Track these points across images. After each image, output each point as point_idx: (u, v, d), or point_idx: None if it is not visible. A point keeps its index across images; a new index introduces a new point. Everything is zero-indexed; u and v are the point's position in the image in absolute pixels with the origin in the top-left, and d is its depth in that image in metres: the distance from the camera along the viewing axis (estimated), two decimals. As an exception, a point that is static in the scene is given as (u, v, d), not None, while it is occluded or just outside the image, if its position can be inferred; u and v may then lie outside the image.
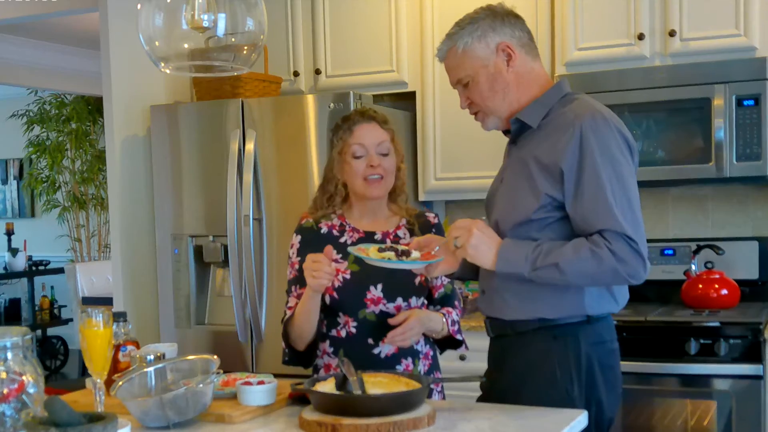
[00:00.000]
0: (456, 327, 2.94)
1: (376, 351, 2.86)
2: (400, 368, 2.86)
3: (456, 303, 3.04)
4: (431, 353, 2.99)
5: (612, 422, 2.71)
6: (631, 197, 2.49)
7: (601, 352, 2.62)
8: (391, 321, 2.78)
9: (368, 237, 2.93)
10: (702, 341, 3.75)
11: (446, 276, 2.88)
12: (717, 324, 3.77)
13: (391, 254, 2.62)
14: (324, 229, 2.96)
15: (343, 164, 2.92)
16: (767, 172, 3.95)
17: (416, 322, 2.77)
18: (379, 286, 2.85)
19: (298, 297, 2.89)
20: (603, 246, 2.41)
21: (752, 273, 4.30)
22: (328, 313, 2.89)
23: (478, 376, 2.69)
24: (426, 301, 2.97)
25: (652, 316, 3.94)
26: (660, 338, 3.83)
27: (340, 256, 2.89)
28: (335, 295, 2.85)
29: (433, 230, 3.00)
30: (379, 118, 2.96)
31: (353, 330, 2.86)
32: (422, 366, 2.93)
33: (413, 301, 2.89)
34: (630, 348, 3.65)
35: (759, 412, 3.68)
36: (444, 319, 2.90)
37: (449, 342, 3.00)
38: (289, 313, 2.92)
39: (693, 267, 4.28)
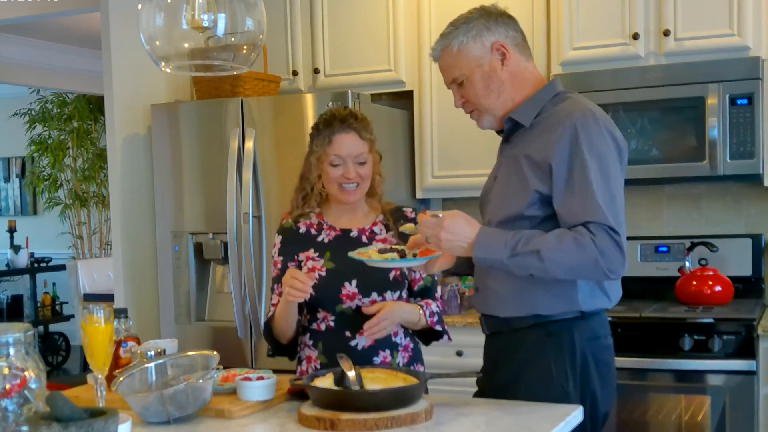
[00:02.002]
0: (435, 318, 2.97)
1: (353, 343, 2.91)
2: (377, 360, 2.91)
3: (436, 295, 3.08)
4: (411, 346, 3.03)
5: (607, 417, 2.73)
6: (615, 193, 2.50)
7: (596, 348, 2.63)
8: (365, 309, 2.83)
9: (344, 234, 2.99)
10: (696, 337, 3.78)
11: (444, 272, 2.89)
12: (711, 320, 3.80)
13: (393, 255, 2.66)
14: (302, 229, 3.03)
15: (320, 170, 2.98)
16: (760, 170, 3.99)
17: (388, 313, 2.80)
18: (354, 282, 2.90)
19: (281, 294, 2.95)
20: (587, 236, 2.42)
21: (745, 270, 4.33)
22: (308, 308, 2.96)
23: (475, 372, 2.72)
24: (404, 296, 3.00)
25: (646, 312, 3.97)
26: (654, 334, 3.86)
27: (318, 254, 2.96)
28: (312, 292, 2.89)
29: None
30: (359, 127, 2.97)
31: (332, 324, 2.92)
32: (401, 358, 2.97)
33: (388, 295, 2.93)
34: (625, 344, 3.68)
35: (752, 407, 3.72)
36: (421, 311, 2.93)
37: (432, 334, 3.03)
38: (272, 310, 2.99)
39: (687, 264, 4.31)
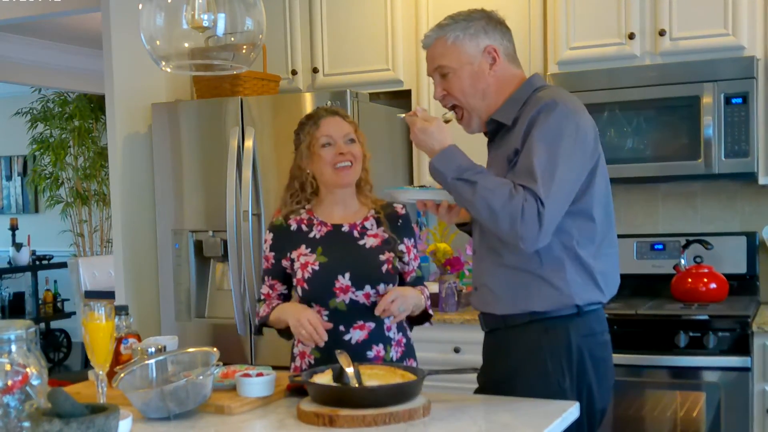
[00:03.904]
0: (428, 302, 3.06)
1: (347, 338, 2.94)
2: (371, 354, 2.94)
3: (424, 284, 3.14)
4: (404, 341, 3.06)
5: (604, 413, 2.75)
6: (557, 174, 2.49)
7: (592, 344, 2.66)
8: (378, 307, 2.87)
9: (336, 229, 3.03)
10: (691, 334, 3.80)
11: (458, 226, 2.95)
12: (706, 317, 3.82)
13: (428, 187, 2.78)
14: (293, 226, 3.06)
15: (312, 156, 3.02)
16: (755, 168, 4.01)
17: (397, 293, 2.86)
18: (347, 275, 2.93)
19: (270, 287, 3.07)
20: (521, 194, 2.45)
21: (740, 267, 4.35)
22: (302, 303, 2.99)
23: (473, 368, 2.74)
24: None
25: (642, 309, 3.99)
26: (650, 331, 3.88)
27: (309, 250, 2.99)
28: (305, 286, 2.95)
29: (400, 221, 3.10)
30: (341, 112, 3.08)
31: (325, 318, 2.93)
32: (394, 352, 3.00)
33: (381, 288, 2.96)
34: (621, 341, 3.68)
35: (747, 404, 3.74)
36: (423, 295, 3.01)
37: (417, 319, 3.10)
38: (263, 299, 3.08)
39: (682, 261, 4.33)
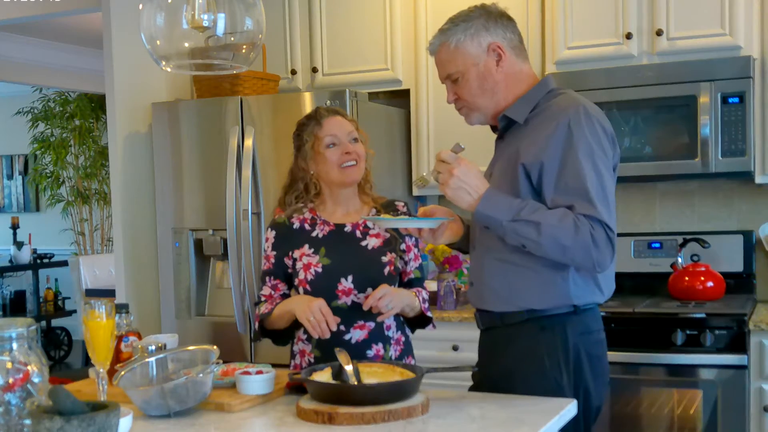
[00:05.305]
0: (426, 305, 3.04)
1: (347, 337, 2.94)
2: (370, 353, 2.94)
3: (424, 285, 3.14)
4: (403, 339, 3.07)
5: (600, 410, 2.76)
6: (608, 191, 2.53)
7: (589, 342, 2.66)
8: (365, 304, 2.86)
9: (338, 229, 3.04)
10: (688, 332, 3.81)
11: (449, 245, 2.92)
12: (703, 315, 3.83)
13: (405, 217, 2.78)
14: (296, 224, 3.06)
15: (316, 156, 3.02)
16: (751, 167, 4.02)
17: (387, 289, 2.84)
18: (350, 278, 2.94)
19: (272, 287, 3.04)
20: (586, 224, 2.45)
21: (737, 266, 4.36)
22: None
23: (470, 366, 2.74)
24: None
25: (639, 307, 4.00)
26: (647, 329, 3.89)
27: (312, 250, 2.99)
28: (308, 287, 2.95)
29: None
30: (341, 111, 3.09)
31: None
32: (393, 351, 3.01)
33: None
34: (618, 339, 3.72)
35: (743, 401, 3.75)
36: (417, 297, 2.99)
37: (417, 322, 3.09)
38: (264, 300, 3.05)
39: (679, 260, 4.33)
